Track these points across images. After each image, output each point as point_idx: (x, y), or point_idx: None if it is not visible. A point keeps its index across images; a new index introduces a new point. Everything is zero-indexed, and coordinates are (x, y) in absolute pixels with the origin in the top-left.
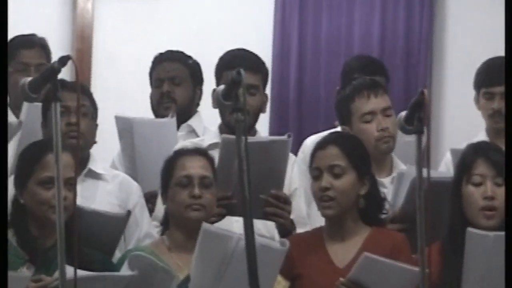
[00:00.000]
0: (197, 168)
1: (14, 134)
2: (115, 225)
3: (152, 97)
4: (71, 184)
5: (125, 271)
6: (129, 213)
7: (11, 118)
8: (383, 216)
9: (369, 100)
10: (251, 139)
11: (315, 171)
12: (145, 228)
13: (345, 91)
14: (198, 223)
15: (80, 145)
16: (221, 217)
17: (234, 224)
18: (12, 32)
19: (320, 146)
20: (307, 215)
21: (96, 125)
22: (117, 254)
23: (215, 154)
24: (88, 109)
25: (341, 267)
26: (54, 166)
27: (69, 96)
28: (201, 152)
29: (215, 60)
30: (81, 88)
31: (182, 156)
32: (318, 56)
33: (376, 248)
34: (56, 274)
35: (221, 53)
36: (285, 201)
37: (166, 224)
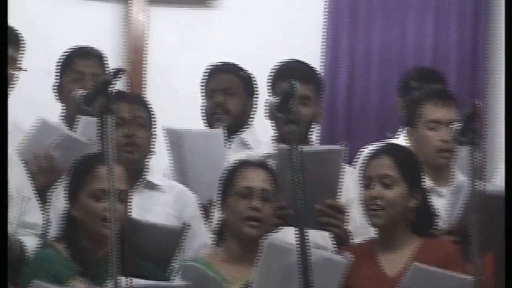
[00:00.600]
0: (259, 180)
1: (84, 151)
2: (171, 237)
3: (204, 108)
4: (122, 197)
5: (177, 281)
6: (185, 225)
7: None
8: (435, 231)
9: (438, 108)
10: (305, 148)
11: (366, 180)
12: (201, 239)
13: (417, 93)
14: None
15: (136, 157)
16: (276, 227)
17: (290, 234)
18: (66, 44)
19: (373, 155)
20: (363, 226)
21: (153, 136)
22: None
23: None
24: (145, 120)
25: (392, 277)
26: (106, 178)
27: (125, 107)
28: (263, 166)
29: (265, 70)
30: (138, 99)
31: (245, 167)
32: (369, 66)
33: (427, 258)
34: (109, 285)
35: (272, 63)
36: (340, 211)
37: (220, 234)
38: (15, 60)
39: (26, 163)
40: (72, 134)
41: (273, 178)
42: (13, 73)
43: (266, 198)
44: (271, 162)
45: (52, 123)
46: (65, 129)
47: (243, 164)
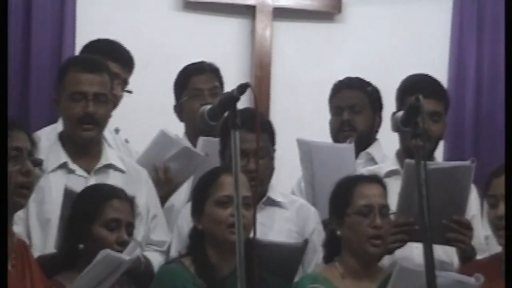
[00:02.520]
0: (377, 197)
1: (201, 165)
2: (292, 254)
3: (331, 124)
4: (247, 204)
5: None
6: (306, 242)
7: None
8: None
9: None
10: (434, 165)
11: (491, 198)
12: (322, 254)
13: None
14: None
15: (258, 189)
16: (403, 243)
17: (414, 251)
18: (193, 61)
19: (495, 173)
20: (486, 242)
21: (273, 161)
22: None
23: (393, 181)
24: (267, 151)
25: None
26: (231, 186)
27: (248, 137)
28: (378, 180)
29: (389, 85)
30: (264, 125)
31: (360, 183)
32: (496, 80)
33: None
34: None
35: (397, 77)
36: (467, 227)
37: (332, 248)
38: (125, 82)
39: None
40: (190, 146)
41: (386, 191)
42: (122, 94)
43: (385, 213)
44: (395, 179)
45: (172, 135)
46: (183, 141)
47: (356, 180)
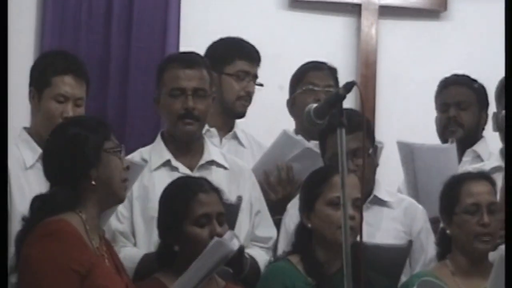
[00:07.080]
0: (485, 194)
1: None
2: (397, 256)
3: (437, 121)
4: (358, 206)
5: None
6: (410, 243)
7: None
8: None
9: None
10: None
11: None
12: (430, 253)
13: None
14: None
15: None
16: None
17: None
18: (298, 58)
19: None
20: None
21: (377, 165)
22: (402, 279)
23: (496, 177)
24: (367, 150)
25: None
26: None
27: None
28: (486, 177)
29: (494, 82)
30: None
31: (468, 181)
32: None
33: None
34: None
35: (501, 75)
36: None
37: (444, 246)
38: (255, 76)
39: (267, 174)
40: (313, 147)
41: (495, 189)
42: (254, 90)
43: (493, 210)
44: (500, 175)
45: (294, 136)
46: (306, 142)
47: (463, 178)
